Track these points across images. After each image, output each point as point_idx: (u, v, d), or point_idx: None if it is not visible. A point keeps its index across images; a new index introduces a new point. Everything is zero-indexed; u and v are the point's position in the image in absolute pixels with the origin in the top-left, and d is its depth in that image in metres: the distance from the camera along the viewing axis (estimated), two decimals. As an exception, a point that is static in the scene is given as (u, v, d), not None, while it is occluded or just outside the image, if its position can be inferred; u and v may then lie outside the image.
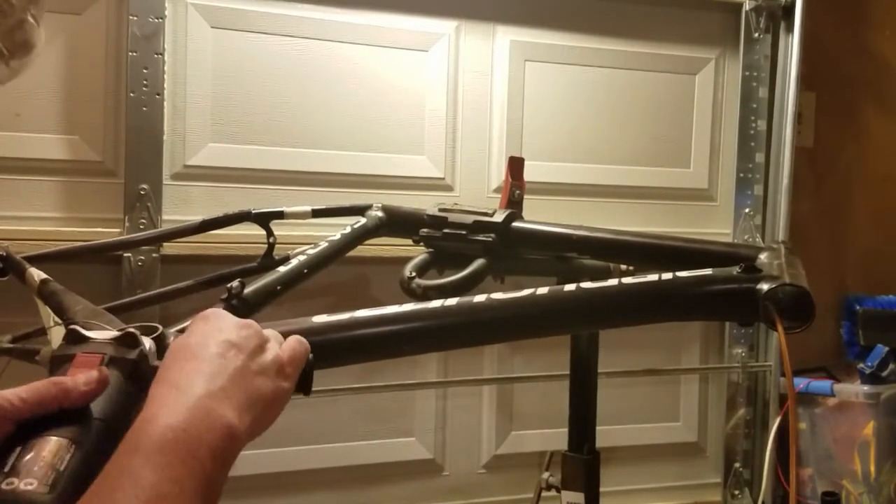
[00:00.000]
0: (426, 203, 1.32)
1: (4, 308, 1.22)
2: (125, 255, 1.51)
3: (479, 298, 0.78)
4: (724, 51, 1.99)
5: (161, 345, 0.68)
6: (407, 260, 1.19)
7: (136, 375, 0.60)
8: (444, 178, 1.78)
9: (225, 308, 0.87)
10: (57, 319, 0.80)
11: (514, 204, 1.34)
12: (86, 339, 0.61)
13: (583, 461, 1.36)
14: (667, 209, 1.95)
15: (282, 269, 1.06)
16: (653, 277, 0.81)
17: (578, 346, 1.38)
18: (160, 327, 0.68)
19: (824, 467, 1.89)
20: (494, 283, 1.27)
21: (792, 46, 1.90)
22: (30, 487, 0.48)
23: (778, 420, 1.90)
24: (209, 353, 0.58)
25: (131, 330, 0.63)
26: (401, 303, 0.79)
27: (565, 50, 1.86)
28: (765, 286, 0.78)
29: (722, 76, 1.99)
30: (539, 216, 1.30)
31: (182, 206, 1.59)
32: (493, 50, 1.81)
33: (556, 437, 1.46)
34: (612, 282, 0.82)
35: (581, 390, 1.38)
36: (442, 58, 1.76)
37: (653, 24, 1.92)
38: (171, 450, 0.49)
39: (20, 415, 0.52)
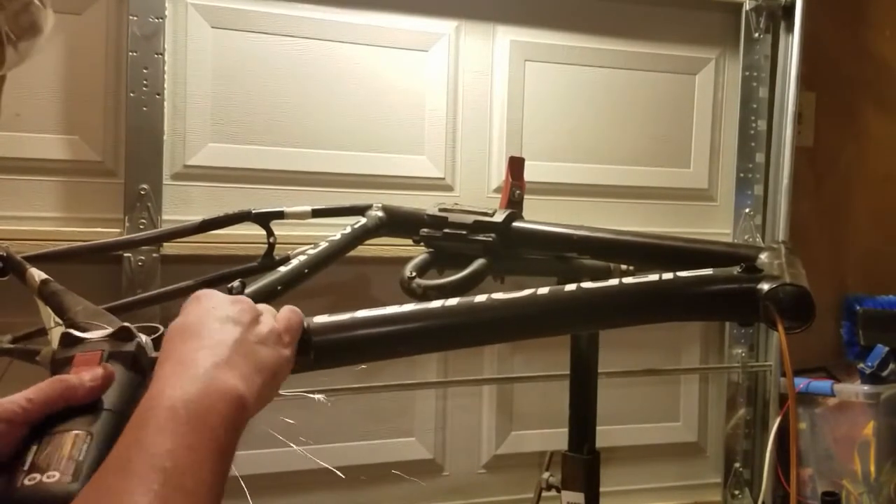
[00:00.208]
0: (426, 203, 1.32)
1: (4, 308, 1.22)
2: (125, 255, 1.51)
3: (480, 298, 0.78)
4: (724, 51, 1.99)
5: (160, 341, 0.68)
6: (407, 260, 1.19)
7: (136, 367, 0.60)
8: (444, 178, 1.78)
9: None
10: (57, 320, 0.80)
11: (514, 204, 1.34)
12: (81, 341, 0.61)
13: (583, 461, 1.36)
14: (667, 209, 1.95)
15: (282, 269, 1.06)
16: (653, 277, 0.81)
17: (578, 346, 1.38)
18: (161, 327, 0.68)
19: (824, 467, 1.89)
20: (494, 283, 1.27)
21: (792, 46, 1.90)
22: (53, 479, 0.48)
23: (778, 420, 1.90)
24: (208, 329, 0.59)
25: (125, 325, 0.63)
26: (401, 303, 0.79)
27: (565, 50, 1.86)
28: (765, 286, 0.78)
29: (722, 76, 1.99)
30: (539, 216, 1.29)
31: (182, 206, 1.59)
32: (493, 50, 1.81)
33: (556, 437, 1.46)
34: (613, 282, 0.82)
35: (581, 390, 1.38)
36: (442, 58, 1.76)
37: (653, 24, 1.92)
38: (184, 420, 0.49)
39: (30, 417, 0.52)
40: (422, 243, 1.26)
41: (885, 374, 1.82)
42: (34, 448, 0.50)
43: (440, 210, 1.26)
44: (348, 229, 1.22)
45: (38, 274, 0.82)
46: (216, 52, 1.61)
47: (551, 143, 1.85)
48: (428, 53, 1.76)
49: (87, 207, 1.54)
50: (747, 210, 1.97)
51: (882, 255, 2.18)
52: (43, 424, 0.52)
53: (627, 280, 0.82)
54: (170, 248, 1.53)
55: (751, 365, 1.97)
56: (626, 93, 1.91)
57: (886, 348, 1.84)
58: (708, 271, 0.81)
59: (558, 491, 1.39)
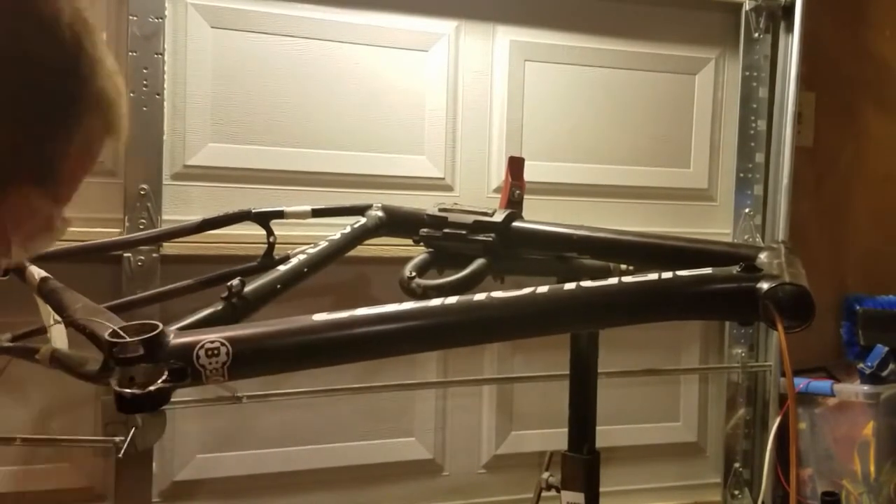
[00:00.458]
0: (426, 203, 1.32)
1: (4, 307, 1.22)
2: (125, 254, 1.51)
3: (479, 297, 0.79)
4: (724, 51, 1.99)
5: (160, 342, 0.68)
6: (407, 260, 1.20)
7: None
8: (444, 178, 1.78)
9: (225, 306, 0.87)
10: (57, 317, 0.80)
11: (514, 204, 1.34)
12: None
13: (583, 461, 1.36)
14: (667, 209, 1.95)
15: (282, 268, 1.06)
16: (653, 277, 0.81)
17: (578, 346, 1.38)
18: (160, 325, 0.68)
19: (824, 467, 1.89)
20: (494, 283, 1.27)
21: (792, 46, 1.90)
22: None
23: (778, 420, 1.90)
24: None
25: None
26: (401, 303, 0.79)
27: (565, 50, 1.86)
28: (765, 285, 0.78)
29: (722, 76, 1.99)
30: (539, 216, 1.30)
31: (182, 206, 1.59)
32: (493, 50, 1.81)
33: (556, 437, 1.46)
34: (612, 281, 0.82)
35: (581, 390, 1.38)
36: (442, 58, 1.76)
37: (653, 24, 1.92)
38: None
39: None
40: (421, 243, 1.26)
41: (884, 374, 1.82)
42: None
43: (440, 210, 1.26)
44: (348, 229, 1.22)
45: (37, 272, 0.82)
46: (216, 52, 1.61)
47: (551, 143, 1.85)
48: (428, 53, 1.76)
49: (87, 207, 1.54)
50: (747, 210, 1.97)
51: (882, 255, 2.18)
52: None
53: (627, 279, 0.82)
54: (170, 247, 1.53)
55: (751, 365, 1.97)
56: (626, 93, 1.91)
57: (886, 348, 1.84)
58: (707, 271, 0.82)
59: (558, 491, 1.39)
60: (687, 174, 1.98)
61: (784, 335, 0.75)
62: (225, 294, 0.93)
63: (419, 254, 1.23)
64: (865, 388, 1.82)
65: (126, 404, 0.69)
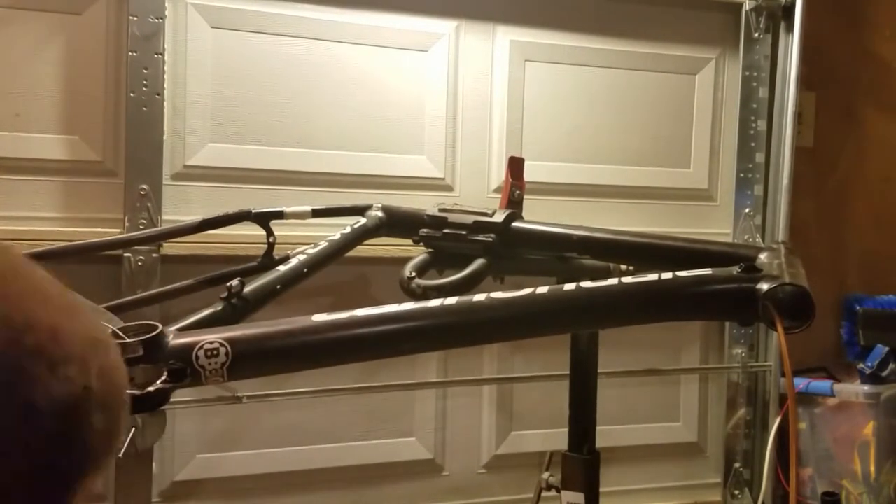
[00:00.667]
0: (426, 203, 1.32)
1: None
2: (125, 254, 1.51)
3: (479, 298, 0.79)
4: (724, 51, 1.99)
5: (160, 343, 0.68)
6: (407, 260, 1.20)
7: None
8: (444, 179, 1.78)
9: (225, 306, 0.87)
10: (56, 318, 0.80)
11: (514, 204, 1.34)
12: None
13: (583, 461, 1.36)
14: (667, 209, 1.95)
15: (282, 268, 1.06)
16: (653, 277, 0.81)
17: (578, 346, 1.38)
18: (160, 325, 0.68)
19: (824, 467, 1.89)
20: (494, 284, 1.27)
21: (792, 46, 1.90)
22: None
23: (778, 420, 1.90)
24: None
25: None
26: (400, 303, 0.79)
27: (565, 50, 1.86)
28: (765, 286, 0.78)
29: (722, 76, 1.99)
30: (539, 216, 1.30)
31: (182, 206, 1.59)
32: (493, 50, 1.81)
33: (556, 437, 1.46)
34: (612, 281, 0.82)
35: (581, 390, 1.38)
36: (442, 58, 1.76)
37: (653, 24, 1.92)
38: None
39: None
40: (421, 243, 1.26)
41: (884, 374, 1.82)
42: None
43: (440, 210, 1.26)
44: (348, 229, 1.22)
45: (37, 273, 0.81)
46: (216, 52, 1.61)
47: (551, 144, 1.85)
48: (428, 53, 1.76)
49: (87, 207, 1.54)
50: (747, 210, 1.97)
51: (882, 255, 2.18)
52: None
53: (627, 280, 0.82)
54: (170, 247, 1.53)
55: (751, 365, 1.97)
56: (626, 93, 1.91)
57: (886, 348, 1.84)
58: (707, 271, 0.82)
59: (558, 491, 1.39)
60: (687, 174, 1.98)
61: (784, 335, 0.75)
62: (224, 294, 0.93)
63: (419, 254, 1.23)
64: (865, 388, 1.82)
65: (126, 405, 0.69)
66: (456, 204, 1.29)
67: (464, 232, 1.21)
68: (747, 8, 1.94)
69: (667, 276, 0.81)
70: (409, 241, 1.29)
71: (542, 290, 0.80)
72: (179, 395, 1.35)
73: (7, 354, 0.41)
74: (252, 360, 0.74)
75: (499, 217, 1.22)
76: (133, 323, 0.74)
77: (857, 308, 2.04)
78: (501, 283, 1.30)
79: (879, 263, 2.17)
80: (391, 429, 1.78)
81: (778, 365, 1.94)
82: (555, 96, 1.85)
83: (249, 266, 1.17)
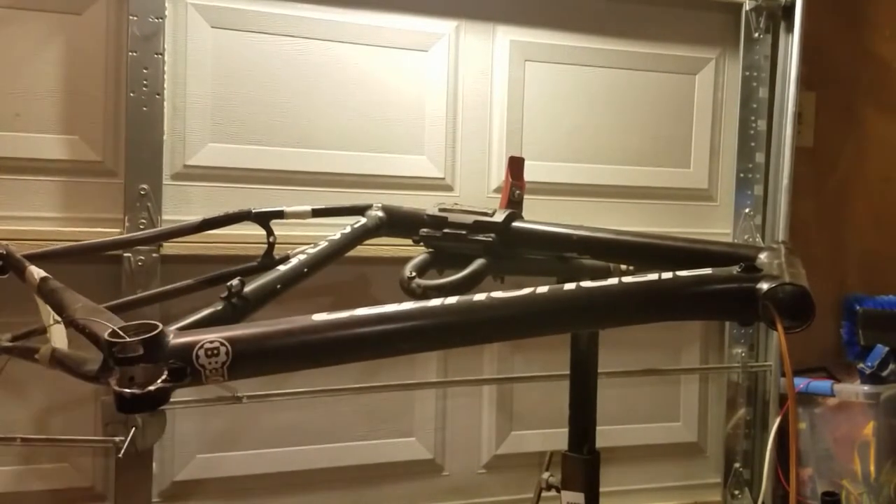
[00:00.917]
0: (426, 203, 1.32)
1: (4, 307, 1.22)
2: (125, 254, 1.51)
3: (479, 297, 0.78)
4: (724, 51, 1.99)
5: (160, 342, 0.68)
6: (407, 260, 1.19)
7: None
8: (444, 178, 1.78)
9: (225, 305, 0.87)
10: (56, 317, 0.80)
11: (514, 204, 1.34)
12: None
13: (583, 461, 1.36)
14: (667, 209, 1.95)
15: (281, 268, 1.06)
16: (653, 277, 0.81)
17: (578, 346, 1.38)
18: (160, 325, 0.68)
19: (824, 467, 1.89)
20: (494, 284, 1.27)
21: (792, 46, 1.90)
22: None
23: (778, 420, 1.90)
24: None
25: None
26: (400, 303, 0.79)
27: (565, 50, 1.86)
28: (765, 286, 0.78)
29: (722, 76, 1.99)
30: (539, 216, 1.29)
31: (182, 206, 1.59)
32: (493, 50, 1.81)
33: (556, 437, 1.46)
34: (612, 281, 0.82)
35: (581, 390, 1.38)
36: (442, 58, 1.76)
37: (653, 24, 1.92)
38: None
39: None
40: (421, 243, 1.26)
41: (884, 374, 1.82)
42: None
43: (440, 210, 1.26)
44: (348, 229, 1.22)
45: (37, 272, 0.82)
46: (216, 52, 1.61)
47: (551, 144, 1.85)
48: (428, 53, 1.76)
49: (87, 207, 1.55)
50: (747, 210, 1.97)
51: (882, 255, 2.18)
52: None
53: (627, 279, 0.82)
54: (170, 247, 1.53)
55: (751, 365, 1.97)
56: (626, 93, 1.91)
57: (886, 348, 1.84)
58: (707, 271, 0.82)
59: (558, 491, 1.39)
60: (687, 174, 1.98)
61: (784, 335, 0.75)
62: (225, 294, 0.93)
63: (419, 254, 1.23)
64: (865, 388, 1.82)
65: (126, 404, 0.69)
66: (456, 204, 1.29)
67: (464, 232, 1.21)
68: (747, 8, 1.95)
69: (667, 275, 0.81)
70: (409, 241, 1.29)
71: (542, 289, 0.80)
72: (179, 395, 1.36)
73: None
74: (252, 359, 0.74)
75: (499, 217, 1.22)
76: (133, 322, 0.74)
77: (857, 308, 2.04)
78: (501, 282, 1.30)
79: (879, 263, 2.17)
80: (391, 429, 1.78)
81: (778, 365, 1.94)
82: (555, 96, 1.85)
83: (249, 266, 1.17)
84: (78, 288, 0.82)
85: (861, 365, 1.85)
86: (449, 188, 1.78)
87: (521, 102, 1.83)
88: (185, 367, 0.71)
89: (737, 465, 1.98)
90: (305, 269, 1.08)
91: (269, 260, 1.15)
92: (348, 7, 1.69)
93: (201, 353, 0.72)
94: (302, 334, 0.75)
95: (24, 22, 1.50)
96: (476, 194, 1.79)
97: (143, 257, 1.52)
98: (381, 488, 1.78)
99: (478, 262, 1.17)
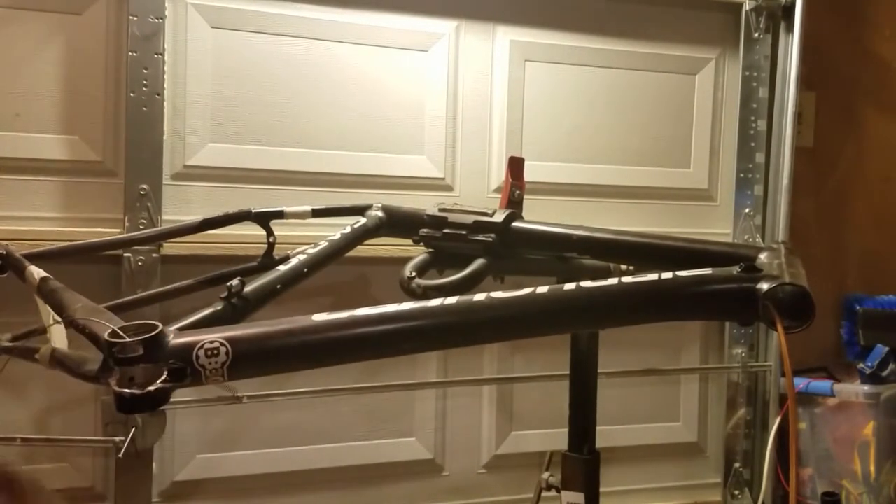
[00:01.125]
0: (426, 203, 1.32)
1: (4, 307, 1.22)
2: (125, 254, 1.51)
3: (479, 297, 0.79)
4: (724, 51, 1.99)
5: (160, 342, 0.68)
6: (407, 260, 1.20)
7: None
8: (444, 178, 1.78)
9: (225, 306, 0.87)
10: (56, 318, 0.80)
11: (514, 204, 1.34)
12: None
13: (583, 461, 1.36)
14: (667, 209, 1.95)
15: (281, 268, 1.06)
16: (653, 277, 0.81)
17: (578, 346, 1.38)
18: (160, 325, 0.68)
19: (824, 467, 1.89)
20: (494, 284, 1.27)
21: (792, 46, 1.90)
22: None
23: (778, 420, 1.90)
24: None
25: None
26: (401, 303, 0.79)
27: (565, 50, 1.86)
28: (765, 286, 0.78)
29: (722, 76, 1.99)
30: (539, 216, 1.29)
31: (182, 206, 1.59)
32: (493, 50, 1.81)
33: (556, 437, 1.46)
34: (612, 281, 0.82)
35: (581, 390, 1.38)
36: (442, 58, 1.76)
37: (653, 24, 1.92)
38: None
39: None
40: (421, 243, 1.26)
41: (885, 374, 1.82)
42: None
43: (440, 210, 1.26)
44: (348, 229, 1.22)
45: (37, 272, 0.82)
46: (216, 52, 1.61)
47: (551, 143, 1.85)
48: (428, 53, 1.76)
49: (87, 207, 1.54)
50: (747, 210, 1.97)
51: (882, 255, 2.18)
52: None
53: (627, 280, 0.82)
54: (170, 247, 1.53)
55: (751, 365, 1.97)
56: (626, 93, 1.91)
57: (886, 348, 1.84)
58: (707, 271, 0.82)
59: (558, 491, 1.39)
60: (687, 174, 1.98)
61: (784, 335, 0.75)
62: (225, 294, 0.93)
63: (419, 254, 1.23)
64: (865, 388, 1.82)
65: (126, 404, 0.69)
66: (456, 204, 1.29)
67: (464, 232, 1.21)
68: (747, 8, 1.95)
69: (667, 275, 0.81)
70: (409, 241, 1.29)
71: (542, 289, 0.80)
72: (179, 395, 1.35)
73: None
74: (252, 359, 0.74)
75: (499, 217, 1.22)
76: (133, 322, 0.74)
77: (857, 308, 2.04)
78: (501, 282, 1.30)
79: (879, 263, 2.17)
80: (391, 429, 1.78)
81: (778, 365, 1.94)
82: (555, 96, 1.85)
83: (249, 266, 1.17)
84: (78, 288, 0.82)
85: (861, 365, 1.85)
86: (449, 188, 1.78)
87: (521, 102, 1.83)
88: (185, 368, 0.71)
89: (737, 465, 1.98)
90: (305, 270, 1.08)
91: (269, 260, 1.16)
92: (348, 7, 1.69)
93: (201, 353, 0.72)
94: (302, 334, 0.75)
95: (24, 22, 1.50)
96: (476, 194, 1.79)
97: (143, 257, 1.52)
98: (381, 488, 1.78)
99: (478, 263, 1.17)
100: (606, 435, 1.52)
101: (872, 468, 1.80)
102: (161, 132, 1.55)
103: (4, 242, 1.06)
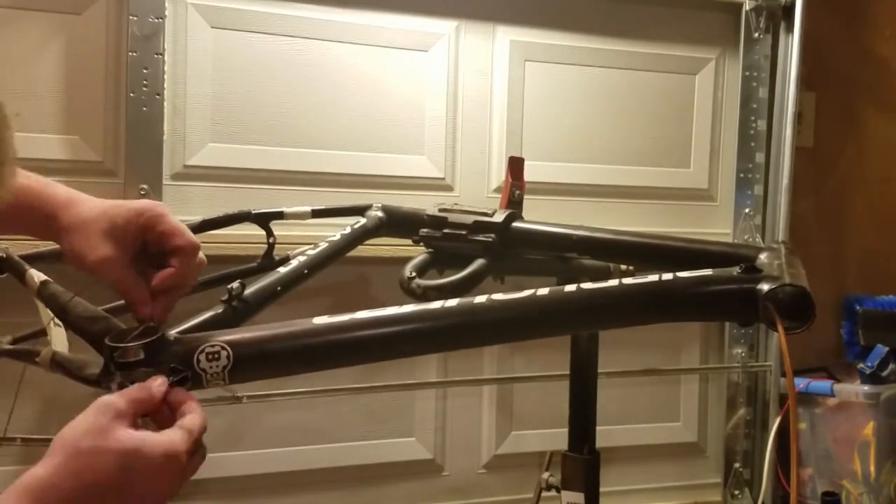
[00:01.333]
0: (426, 203, 1.32)
1: (4, 308, 1.22)
2: (125, 255, 1.50)
3: (480, 299, 0.78)
4: (724, 51, 1.99)
5: (161, 346, 0.68)
6: (407, 260, 1.19)
7: None
8: (444, 178, 1.78)
9: (226, 308, 0.87)
10: (57, 321, 0.80)
11: (514, 204, 1.34)
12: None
13: (583, 461, 1.36)
14: (667, 209, 1.95)
15: (282, 269, 1.05)
16: (653, 278, 0.81)
17: (578, 346, 1.38)
18: (160, 329, 0.68)
19: (824, 467, 1.89)
20: (494, 284, 1.27)
21: (792, 46, 1.90)
22: None
23: (778, 420, 1.90)
24: None
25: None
26: (401, 303, 0.79)
27: (565, 50, 1.86)
28: (765, 286, 0.78)
29: (722, 76, 1.99)
30: (539, 216, 1.29)
31: (182, 206, 1.59)
32: (493, 50, 1.81)
33: (556, 437, 1.46)
34: (612, 282, 0.82)
35: (581, 390, 1.38)
36: (442, 58, 1.76)
37: (653, 24, 1.92)
38: None
39: None
40: (421, 243, 1.26)
41: (885, 374, 1.82)
42: None
43: (440, 210, 1.26)
44: (348, 229, 1.22)
45: (37, 275, 0.82)
46: (216, 52, 1.61)
47: (551, 143, 1.85)
48: (428, 53, 1.75)
49: (87, 207, 1.54)
50: (747, 210, 1.97)
51: (882, 255, 2.18)
52: None
53: (627, 280, 0.82)
54: (170, 248, 1.53)
55: (751, 365, 1.97)
56: (626, 93, 1.91)
57: (886, 348, 1.84)
58: (707, 272, 0.82)
59: (558, 491, 1.39)
60: (687, 174, 1.98)
61: (784, 336, 0.75)
62: (225, 297, 0.93)
63: (419, 254, 1.23)
64: (865, 388, 1.82)
65: (127, 407, 0.69)
66: (456, 204, 1.29)
67: (464, 232, 1.21)
68: (747, 8, 1.94)
69: (667, 276, 0.81)
70: (409, 241, 1.29)
71: (543, 291, 0.80)
72: (180, 396, 1.35)
73: None
74: (254, 363, 0.74)
75: (499, 217, 1.22)
76: (134, 326, 0.74)
77: (857, 308, 2.04)
78: (502, 283, 1.30)
79: (879, 263, 2.17)
80: (391, 429, 1.78)
81: (778, 365, 1.94)
82: (555, 96, 1.85)
83: (249, 267, 1.17)
84: (77, 289, 0.82)
85: (861, 365, 1.85)
86: (449, 188, 1.78)
87: (521, 102, 1.83)
88: (186, 372, 0.72)
89: (737, 465, 1.98)
90: (306, 271, 1.08)
91: (268, 261, 1.15)
92: (348, 7, 1.69)
93: (202, 357, 0.72)
94: (303, 338, 0.75)
95: (24, 22, 1.50)
96: (476, 194, 1.79)
97: (143, 258, 1.51)
98: (381, 488, 1.78)
99: (478, 263, 1.17)
100: (606, 435, 1.52)
101: (872, 468, 1.81)
102: (161, 132, 1.55)
103: (4, 245, 1.05)
